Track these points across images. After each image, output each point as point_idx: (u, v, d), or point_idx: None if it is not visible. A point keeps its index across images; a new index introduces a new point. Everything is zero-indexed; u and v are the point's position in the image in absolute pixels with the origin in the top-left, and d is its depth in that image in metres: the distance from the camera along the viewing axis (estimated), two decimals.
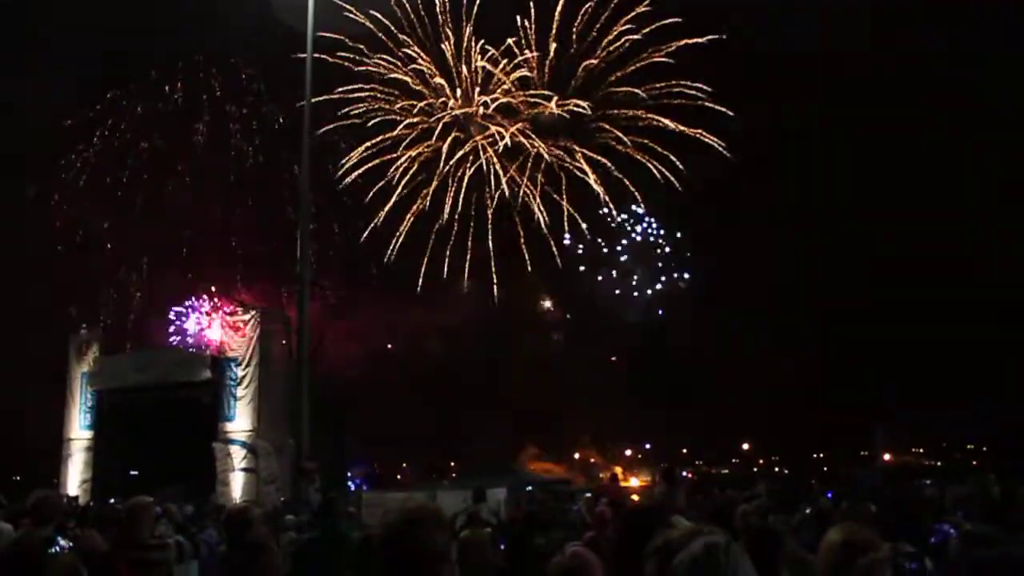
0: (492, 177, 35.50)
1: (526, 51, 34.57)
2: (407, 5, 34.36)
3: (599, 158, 35.10)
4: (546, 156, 35.33)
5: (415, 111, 35.35)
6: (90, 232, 31.52)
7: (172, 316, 29.34)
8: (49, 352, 30.13)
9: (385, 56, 34.86)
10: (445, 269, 35.34)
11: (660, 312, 38.11)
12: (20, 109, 32.45)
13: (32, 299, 30.95)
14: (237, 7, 27.04)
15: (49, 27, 34.50)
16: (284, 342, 26.28)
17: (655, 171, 34.28)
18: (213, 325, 27.35)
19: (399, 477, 38.68)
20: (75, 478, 27.49)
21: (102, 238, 31.60)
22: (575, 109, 34.96)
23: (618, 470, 35.62)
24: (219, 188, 31.73)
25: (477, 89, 35.36)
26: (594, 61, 34.50)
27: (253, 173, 32.41)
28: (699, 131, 33.90)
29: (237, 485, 24.86)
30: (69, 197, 31.61)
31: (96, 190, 31.88)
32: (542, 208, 35.51)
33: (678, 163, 33.95)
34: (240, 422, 25.88)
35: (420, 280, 34.98)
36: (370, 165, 34.73)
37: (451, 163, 35.37)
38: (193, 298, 28.97)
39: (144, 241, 31.01)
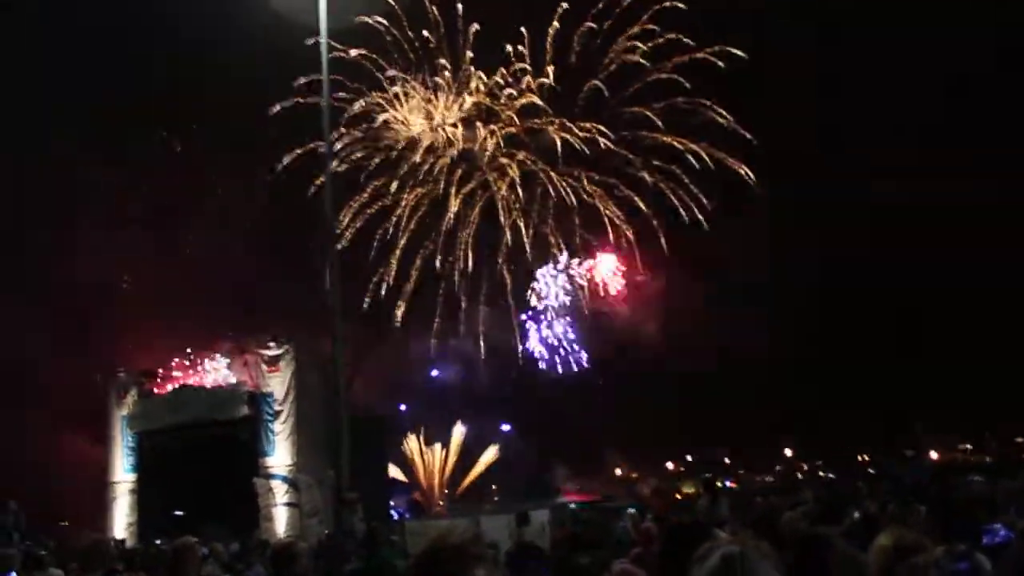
0: (503, 210, 35.12)
1: (527, 78, 34.06)
2: (402, 40, 34.17)
3: (611, 180, 34.62)
4: (558, 183, 34.81)
5: (420, 151, 34.94)
6: (115, 279, 32.00)
7: (206, 356, 29.60)
8: (89, 397, 30.55)
9: (383, 94, 34.62)
10: (463, 300, 35.25)
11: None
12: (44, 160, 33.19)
13: (70, 344, 31.52)
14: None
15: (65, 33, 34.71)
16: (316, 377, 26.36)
17: (669, 194, 33.75)
18: (248, 363, 27.50)
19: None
20: (121, 521, 27.72)
21: (128, 285, 32.05)
22: (582, 134, 34.32)
23: (654, 481, 35.29)
24: (240, 230, 32.00)
25: (479, 124, 34.90)
26: (596, 82, 33.78)
27: (270, 212, 32.68)
28: (702, 144, 33.22)
29: (280, 520, 24.93)
30: (91, 245, 32.14)
31: (118, 239, 32.41)
32: (556, 231, 35.27)
33: (692, 186, 33.48)
34: (280, 456, 25.98)
35: (437, 315, 34.97)
36: (378, 206, 34.53)
37: (460, 196, 35.02)
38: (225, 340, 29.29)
39: (170, 286, 31.36)
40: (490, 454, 38.23)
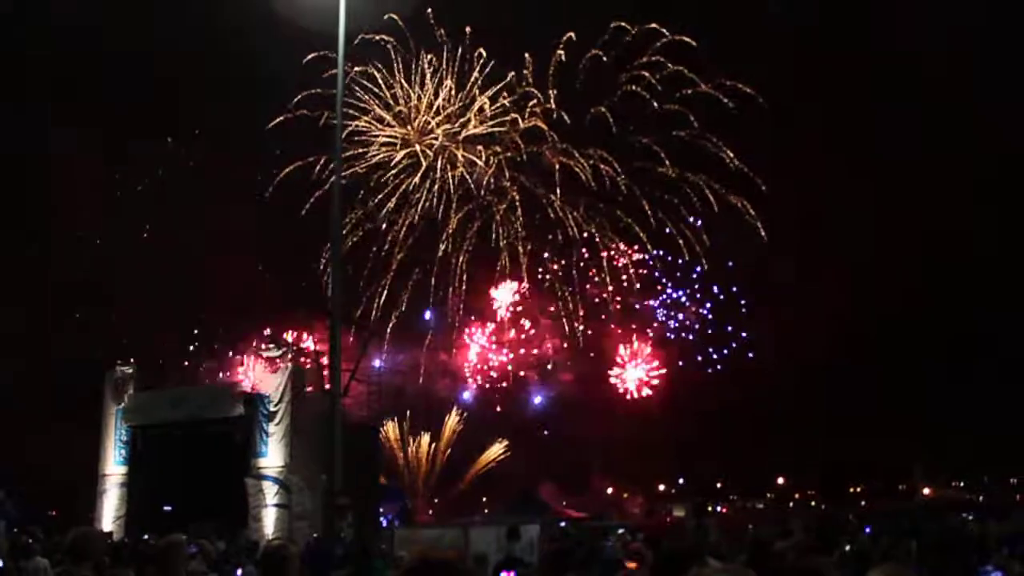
0: (500, 230, 34.98)
1: (532, 102, 33.85)
2: (408, 60, 34.13)
3: (610, 207, 34.53)
4: (558, 209, 34.65)
5: (420, 171, 34.78)
6: (116, 276, 32.07)
7: (206, 353, 29.65)
8: (86, 389, 30.57)
9: (385, 112, 34.56)
10: (458, 318, 35.22)
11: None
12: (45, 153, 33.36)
13: (68, 337, 31.59)
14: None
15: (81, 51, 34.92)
16: (310, 388, 26.38)
17: (673, 230, 33.63)
18: (246, 361, 27.53)
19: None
20: (109, 514, 27.66)
21: (130, 281, 32.10)
22: (584, 160, 34.04)
23: (644, 503, 35.11)
24: (245, 232, 32.07)
25: (480, 147, 34.70)
26: (601, 108, 33.49)
27: (276, 217, 32.80)
28: (701, 176, 33.08)
29: (269, 521, 24.84)
30: (96, 243, 32.24)
31: (125, 235, 32.52)
32: (552, 255, 35.25)
33: (691, 217, 33.41)
34: (273, 458, 25.91)
35: (430, 327, 34.92)
36: (372, 226, 34.44)
37: (457, 217, 34.87)
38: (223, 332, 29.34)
39: (172, 284, 31.39)
40: (497, 448, 35.87)
